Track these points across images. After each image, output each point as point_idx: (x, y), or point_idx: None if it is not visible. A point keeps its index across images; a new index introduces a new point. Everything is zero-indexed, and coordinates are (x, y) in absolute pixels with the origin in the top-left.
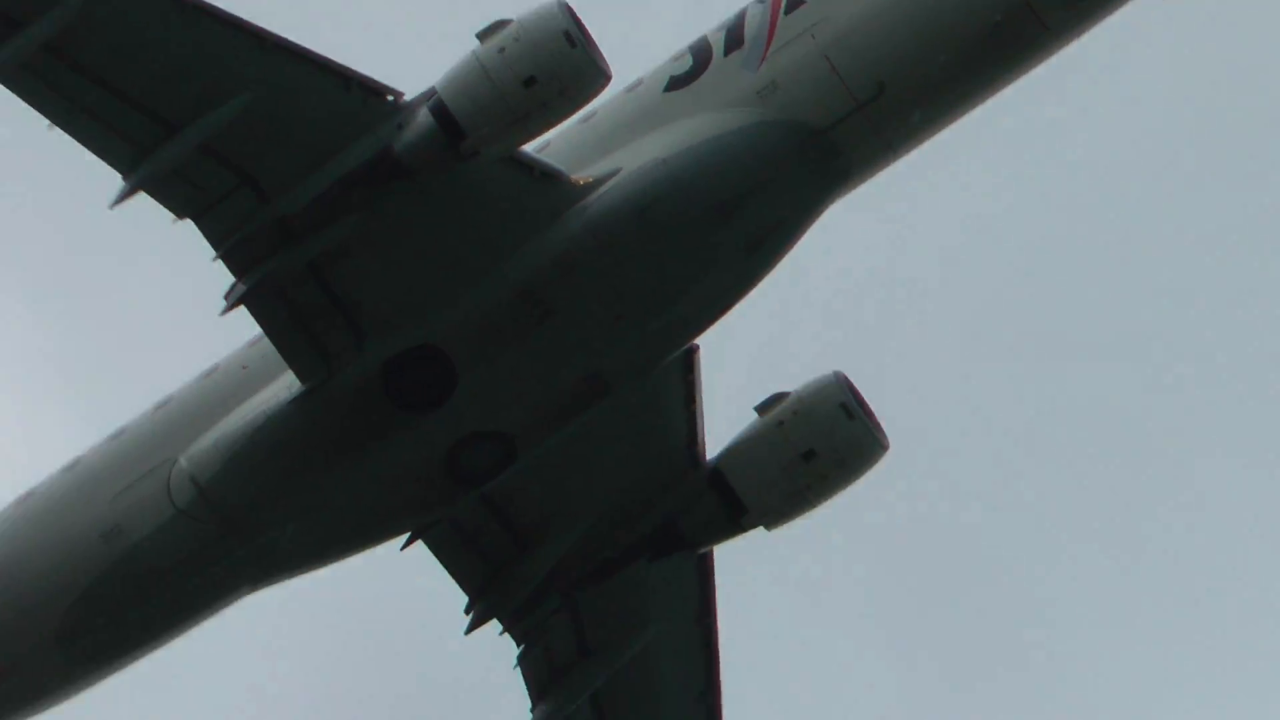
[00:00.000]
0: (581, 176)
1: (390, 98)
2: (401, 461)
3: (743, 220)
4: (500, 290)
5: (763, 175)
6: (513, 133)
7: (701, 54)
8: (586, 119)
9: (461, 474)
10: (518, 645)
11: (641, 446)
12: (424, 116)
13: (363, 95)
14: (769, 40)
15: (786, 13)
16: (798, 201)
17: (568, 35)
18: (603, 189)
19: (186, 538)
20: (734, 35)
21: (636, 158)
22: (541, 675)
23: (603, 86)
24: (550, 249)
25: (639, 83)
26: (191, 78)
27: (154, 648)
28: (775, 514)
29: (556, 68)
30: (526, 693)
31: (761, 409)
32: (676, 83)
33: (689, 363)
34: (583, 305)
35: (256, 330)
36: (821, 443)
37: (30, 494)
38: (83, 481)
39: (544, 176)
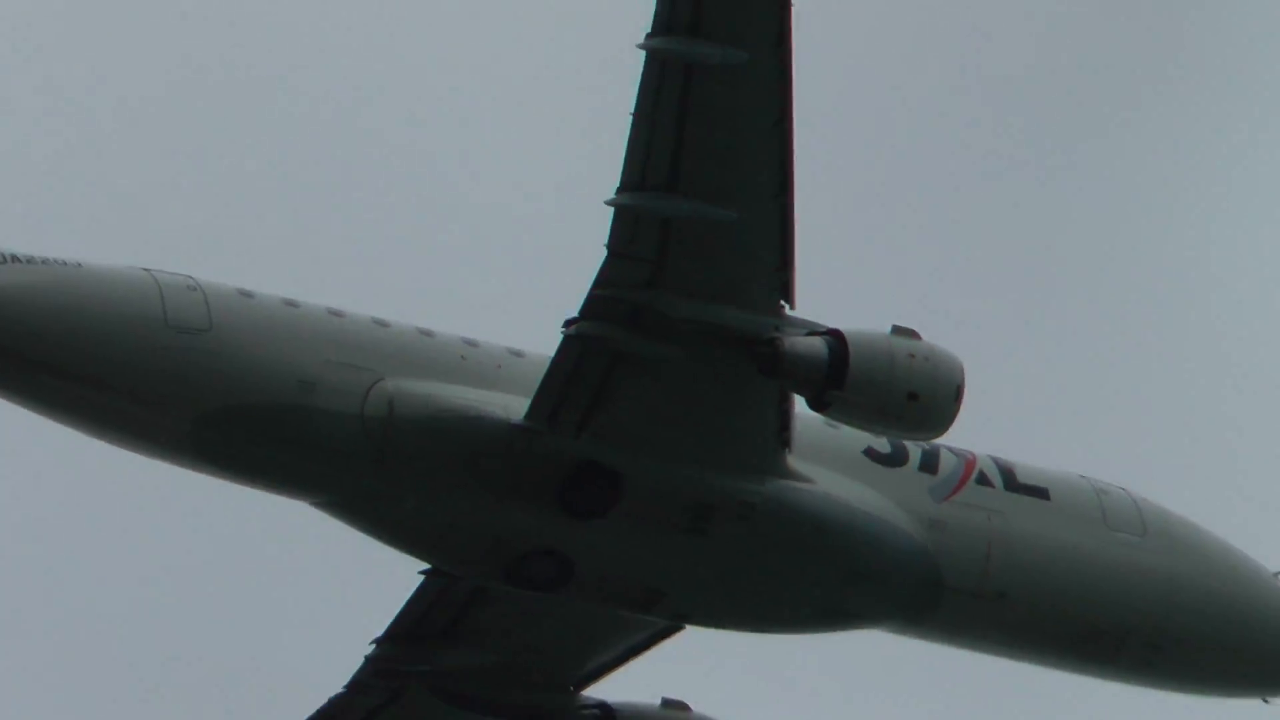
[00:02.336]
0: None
1: (785, 305)
2: (509, 526)
3: (847, 593)
4: (687, 491)
5: (895, 587)
6: (868, 419)
7: (900, 452)
8: None
9: (523, 577)
10: None
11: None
12: (819, 345)
13: (781, 284)
14: (955, 491)
15: (976, 483)
16: (883, 615)
17: (959, 391)
18: (803, 485)
19: (346, 438)
20: (930, 461)
21: (834, 488)
22: None
23: (933, 438)
24: (743, 493)
25: (838, 429)
26: None
27: (254, 486)
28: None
29: (937, 405)
30: None
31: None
32: (874, 455)
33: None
34: (730, 546)
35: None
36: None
37: (251, 295)
38: (312, 327)
39: (783, 440)
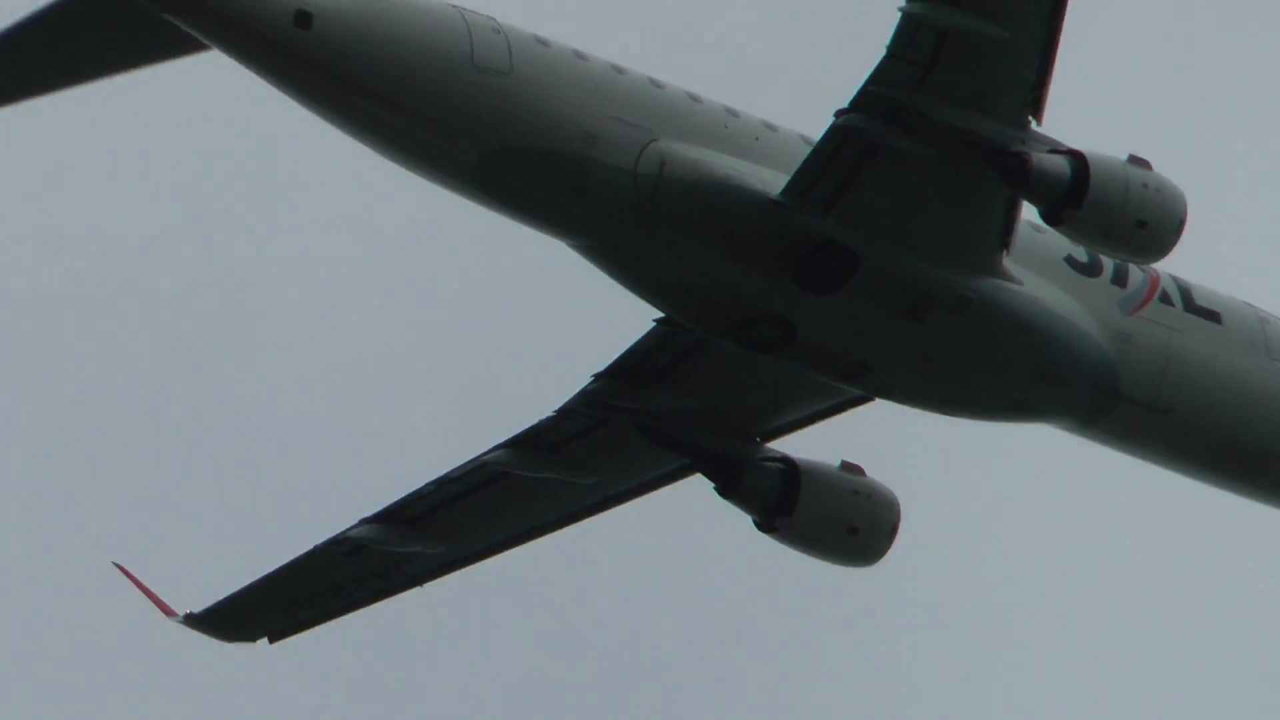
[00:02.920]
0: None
1: (1033, 121)
2: (747, 290)
3: (1036, 390)
4: (914, 279)
5: (1078, 391)
6: (1096, 239)
7: (1096, 262)
8: None
9: (748, 337)
10: None
11: None
12: (1063, 165)
13: (1033, 100)
14: (1141, 305)
15: (1160, 300)
16: (1062, 414)
17: (1182, 223)
18: (1014, 287)
19: (617, 190)
20: (1120, 275)
21: (1040, 292)
22: None
23: (1150, 264)
24: (962, 288)
25: (1041, 230)
26: None
27: (521, 221)
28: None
29: (1162, 233)
30: None
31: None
32: (1073, 263)
33: None
34: (940, 335)
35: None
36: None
37: (547, 44)
38: (598, 82)
39: (1004, 244)
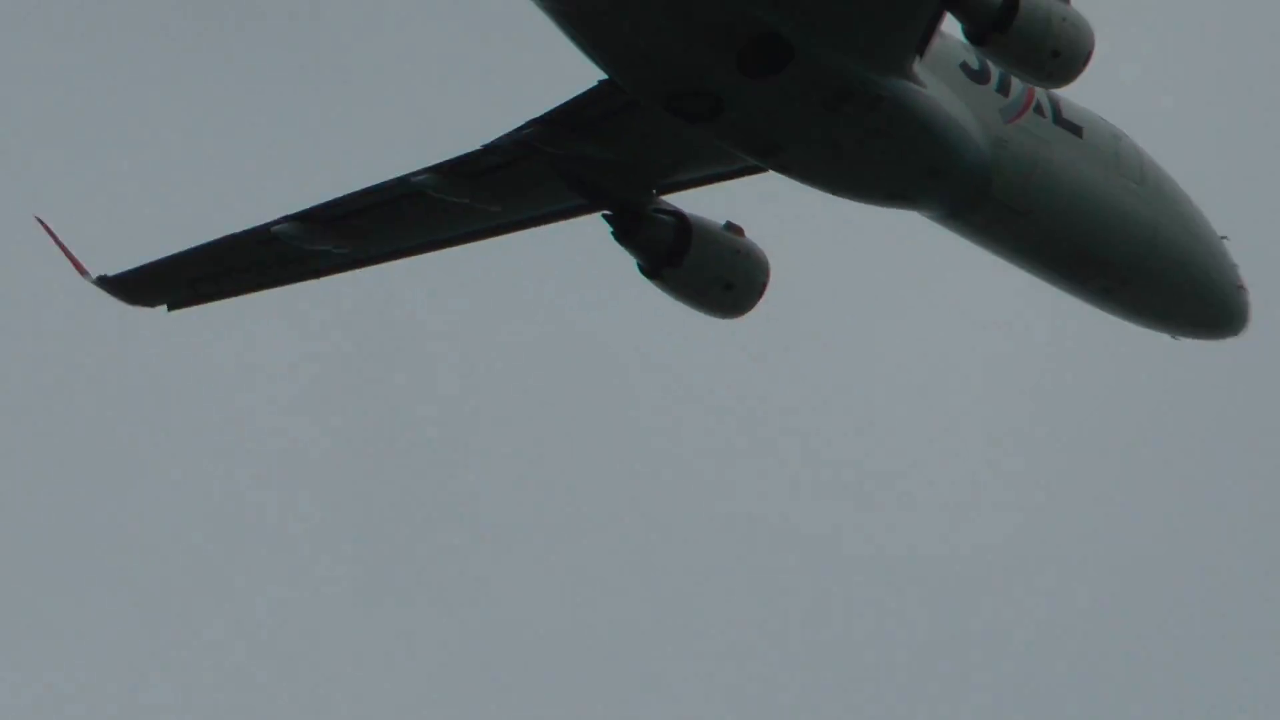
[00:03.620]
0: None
1: None
2: (690, 66)
3: (921, 183)
4: (837, 75)
5: (955, 187)
6: (1011, 62)
7: (985, 71)
8: None
9: (680, 107)
10: None
11: None
12: None
13: None
14: (1019, 115)
15: (1034, 111)
16: (934, 205)
17: (1090, 55)
18: (921, 89)
19: None
20: (1004, 84)
21: (940, 95)
22: None
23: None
24: (878, 87)
25: (944, 38)
26: None
27: None
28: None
29: (1073, 64)
30: None
31: (728, 226)
32: (966, 70)
33: None
34: (851, 127)
35: None
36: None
37: None
38: None
39: (920, 49)
